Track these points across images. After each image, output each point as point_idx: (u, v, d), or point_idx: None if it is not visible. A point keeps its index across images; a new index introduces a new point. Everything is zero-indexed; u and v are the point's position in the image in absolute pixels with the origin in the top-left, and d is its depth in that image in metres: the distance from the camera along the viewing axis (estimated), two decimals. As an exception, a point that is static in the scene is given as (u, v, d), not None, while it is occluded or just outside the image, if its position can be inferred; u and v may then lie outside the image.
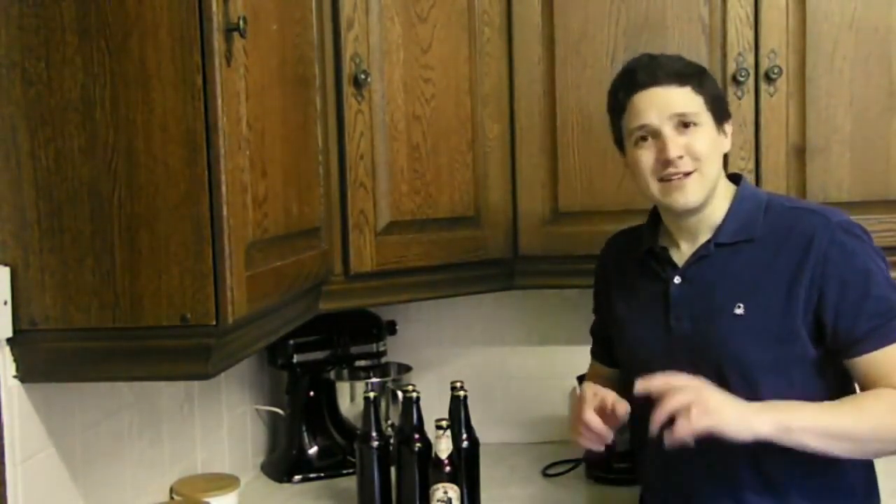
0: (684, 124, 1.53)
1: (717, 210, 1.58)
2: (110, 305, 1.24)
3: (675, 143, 1.52)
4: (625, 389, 1.72)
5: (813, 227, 1.51)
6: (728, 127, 1.60)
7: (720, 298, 1.54)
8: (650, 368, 1.59)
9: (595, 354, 1.87)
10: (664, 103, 1.53)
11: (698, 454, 1.44)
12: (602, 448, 1.56)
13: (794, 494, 1.52)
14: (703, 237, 1.59)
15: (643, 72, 1.56)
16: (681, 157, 1.52)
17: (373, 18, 1.81)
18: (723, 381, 1.51)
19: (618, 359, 1.75)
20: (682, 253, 1.61)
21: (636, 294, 1.67)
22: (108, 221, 1.23)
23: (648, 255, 1.65)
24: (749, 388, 1.50)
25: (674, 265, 1.61)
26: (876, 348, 1.48)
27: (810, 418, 1.42)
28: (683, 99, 1.53)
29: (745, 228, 1.56)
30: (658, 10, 1.96)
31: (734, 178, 1.64)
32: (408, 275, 1.90)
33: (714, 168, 1.55)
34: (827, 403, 1.46)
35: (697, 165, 1.53)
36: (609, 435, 1.53)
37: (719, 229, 1.57)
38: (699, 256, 1.58)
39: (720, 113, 1.58)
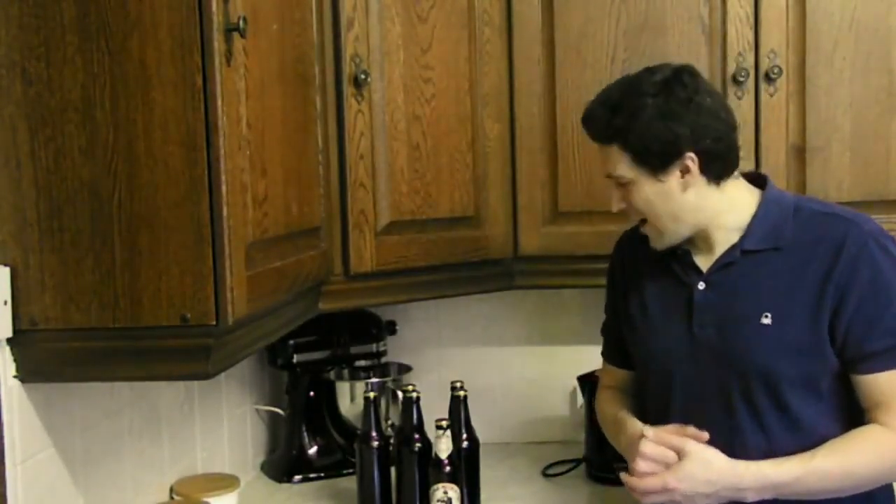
0: (619, 182, 1.55)
1: (737, 216, 1.53)
2: (110, 305, 1.24)
3: (616, 198, 1.57)
4: (641, 391, 1.71)
5: (844, 234, 1.47)
6: (688, 162, 1.47)
7: (746, 307, 1.50)
8: (671, 374, 1.58)
9: (607, 356, 1.81)
10: (603, 160, 1.57)
11: None
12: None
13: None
14: (722, 243, 1.54)
15: (584, 126, 1.58)
16: (623, 210, 1.56)
17: (373, 18, 1.81)
18: (747, 391, 1.49)
19: (633, 359, 1.71)
20: (706, 257, 1.56)
21: (655, 296, 1.62)
22: (108, 221, 1.23)
23: (670, 257, 1.59)
24: (774, 400, 1.48)
25: (698, 270, 1.56)
26: (884, 369, 1.44)
27: (793, 485, 1.43)
28: (612, 159, 1.53)
29: (772, 236, 1.51)
30: (658, 10, 1.95)
31: (758, 180, 1.58)
32: (408, 275, 1.90)
33: (666, 214, 1.52)
34: (814, 463, 1.43)
35: (644, 216, 1.55)
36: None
37: (746, 235, 1.52)
38: (724, 262, 1.53)
39: (655, 163, 1.48)
